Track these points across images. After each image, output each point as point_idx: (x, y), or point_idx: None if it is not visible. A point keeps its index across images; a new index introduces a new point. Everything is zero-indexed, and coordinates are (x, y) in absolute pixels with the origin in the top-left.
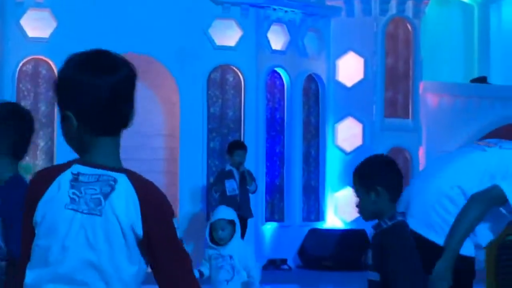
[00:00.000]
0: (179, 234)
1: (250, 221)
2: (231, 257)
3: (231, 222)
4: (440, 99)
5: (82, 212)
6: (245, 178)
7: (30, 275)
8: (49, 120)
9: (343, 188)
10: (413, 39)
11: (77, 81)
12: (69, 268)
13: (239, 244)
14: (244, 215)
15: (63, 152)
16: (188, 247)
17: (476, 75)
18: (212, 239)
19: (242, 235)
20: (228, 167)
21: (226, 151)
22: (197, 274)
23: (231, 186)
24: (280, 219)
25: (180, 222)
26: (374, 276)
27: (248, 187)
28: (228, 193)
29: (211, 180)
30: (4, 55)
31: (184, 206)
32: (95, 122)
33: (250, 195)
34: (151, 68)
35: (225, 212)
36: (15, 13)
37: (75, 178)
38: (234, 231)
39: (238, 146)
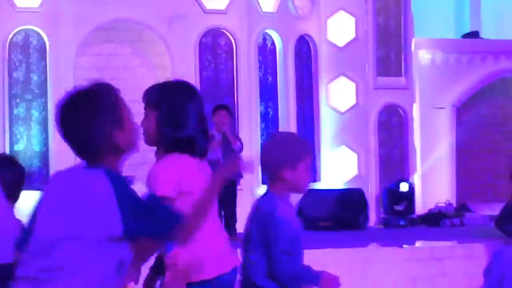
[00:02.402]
0: None
1: (246, 184)
2: None
3: None
4: (432, 56)
5: None
6: (227, 139)
7: None
8: (42, 90)
9: (338, 148)
10: None
11: None
12: None
13: None
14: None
15: None
16: None
17: (467, 30)
18: None
19: (232, 199)
20: (212, 131)
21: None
22: None
23: (211, 151)
24: None
25: None
26: None
27: (232, 146)
28: (209, 157)
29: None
30: None
31: None
32: None
33: (245, 158)
34: (143, 36)
35: None
36: None
37: None
38: None
39: (219, 107)
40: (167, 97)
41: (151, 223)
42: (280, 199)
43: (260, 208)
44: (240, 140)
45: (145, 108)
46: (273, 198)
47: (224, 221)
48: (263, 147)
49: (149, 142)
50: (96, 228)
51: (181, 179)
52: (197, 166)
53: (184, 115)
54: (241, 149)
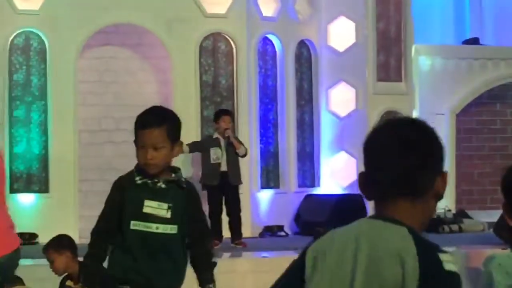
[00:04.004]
0: None
1: (245, 189)
2: None
3: None
4: (433, 62)
5: None
6: (232, 144)
7: None
8: (42, 93)
9: (337, 153)
10: (404, 2)
11: None
12: None
13: None
14: (233, 181)
15: (57, 124)
16: None
17: (467, 36)
18: None
19: (234, 202)
20: (215, 135)
21: (213, 120)
22: None
23: (215, 154)
24: (275, 186)
25: None
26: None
27: (237, 151)
28: (212, 161)
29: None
30: None
31: None
32: None
33: (245, 162)
34: (143, 39)
35: None
36: None
37: None
38: None
39: (222, 112)
40: None
41: None
42: None
43: None
44: (243, 144)
45: None
46: None
47: (230, 227)
48: None
49: None
50: None
51: None
52: None
53: None
54: (245, 154)
